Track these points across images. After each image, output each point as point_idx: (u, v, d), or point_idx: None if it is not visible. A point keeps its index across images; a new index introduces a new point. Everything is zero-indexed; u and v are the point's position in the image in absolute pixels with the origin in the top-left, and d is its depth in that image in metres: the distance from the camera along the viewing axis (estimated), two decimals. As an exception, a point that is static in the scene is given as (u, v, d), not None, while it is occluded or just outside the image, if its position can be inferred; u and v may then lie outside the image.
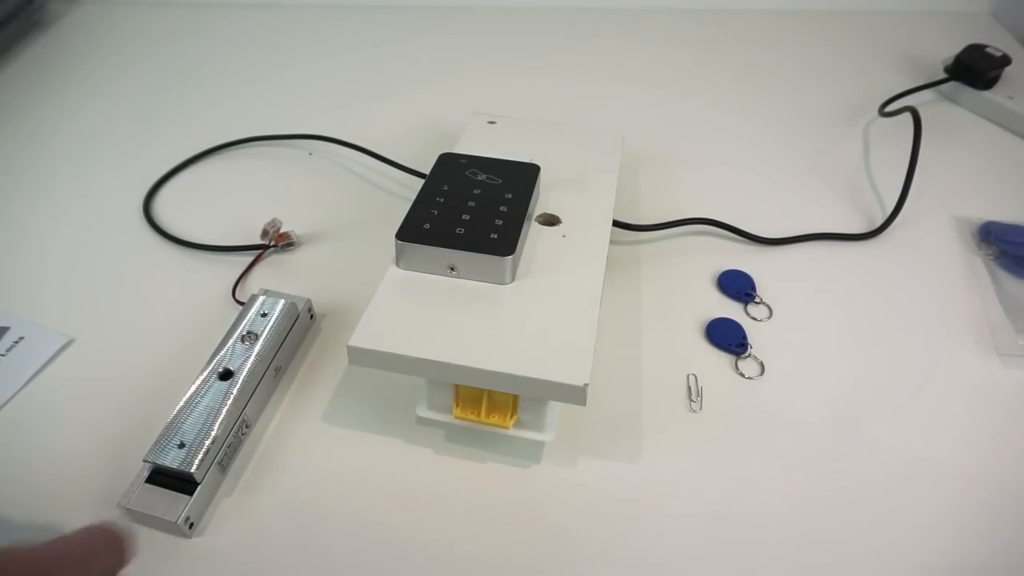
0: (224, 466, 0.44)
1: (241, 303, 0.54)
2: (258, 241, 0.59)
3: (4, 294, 0.56)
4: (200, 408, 0.44)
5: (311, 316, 0.53)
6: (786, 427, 0.47)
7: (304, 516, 0.43)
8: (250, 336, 0.48)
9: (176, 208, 0.64)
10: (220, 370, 0.46)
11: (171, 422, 0.43)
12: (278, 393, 0.49)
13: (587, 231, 0.49)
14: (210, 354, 0.47)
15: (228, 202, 0.65)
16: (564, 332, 0.41)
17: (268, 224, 0.59)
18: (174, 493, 0.41)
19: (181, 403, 0.44)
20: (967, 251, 0.61)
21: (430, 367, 0.40)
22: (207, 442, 0.42)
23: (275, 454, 0.46)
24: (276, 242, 0.59)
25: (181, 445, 0.42)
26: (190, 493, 0.41)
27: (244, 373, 0.46)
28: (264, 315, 0.49)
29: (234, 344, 0.47)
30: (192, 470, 0.41)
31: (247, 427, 0.46)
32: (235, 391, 0.45)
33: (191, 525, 0.41)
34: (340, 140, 0.70)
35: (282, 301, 0.50)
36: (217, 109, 0.78)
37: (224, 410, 0.44)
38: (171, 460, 0.41)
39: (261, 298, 0.50)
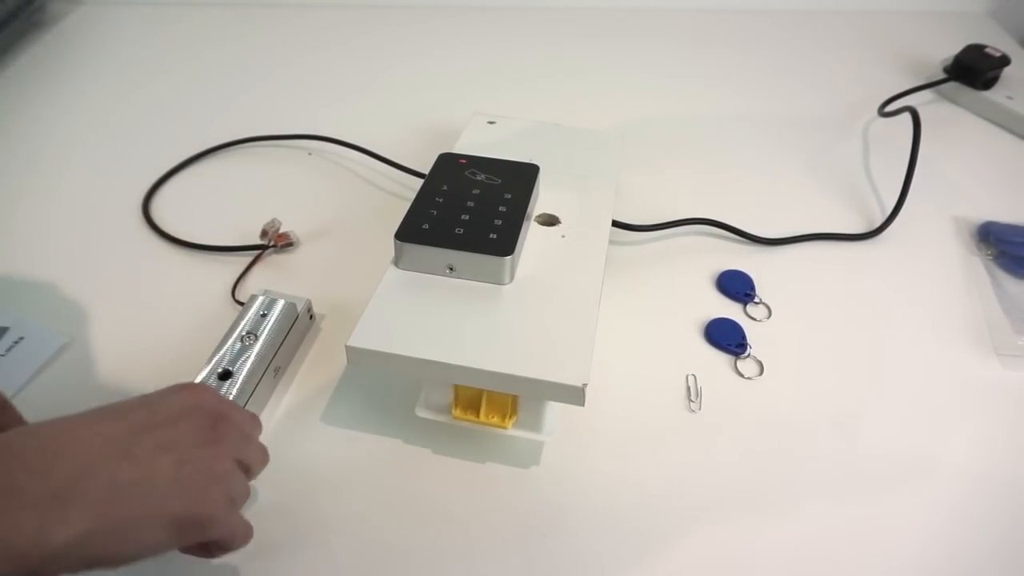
0: (224, 466, 0.44)
1: (240, 303, 0.54)
2: (257, 241, 0.59)
3: (4, 294, 0.56)
4: None
5: (311, 316, 0.53)
6: (785, 427, 0.47)
7: (303, 515, 0.43)
8: (249, 336, 0.48)
9: (176, 208, 0.64)
10: (219, 370, 0.46)
11: None
12: (277, 393, 0.49)
13: (586, 231, 0.49)
14: (209, 354, 0.47)
15: (228, 202, 0.65)
16: (563, 332, 0.41)
17: (267, 224, 0.59)
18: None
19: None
20: (966, 251, 0.61)
21: (429, 368, 0.40)
22: None
23: (275, 454, 0.46)
24: (275, 242, 0.59)
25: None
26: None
27: (243, 373, 0.46)
28: (263, 315, 0.49)
29: (233, 344, 0.47)
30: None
31: None
32: (234, 391, 0.45)
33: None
34: (340, 140, 0.70)
35: (281, 301, 0.50)
36: (217, 109, 0.78)
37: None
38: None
39: (260, 298, 0.50)
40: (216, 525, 0.33)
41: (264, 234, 0.59)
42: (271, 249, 0.59)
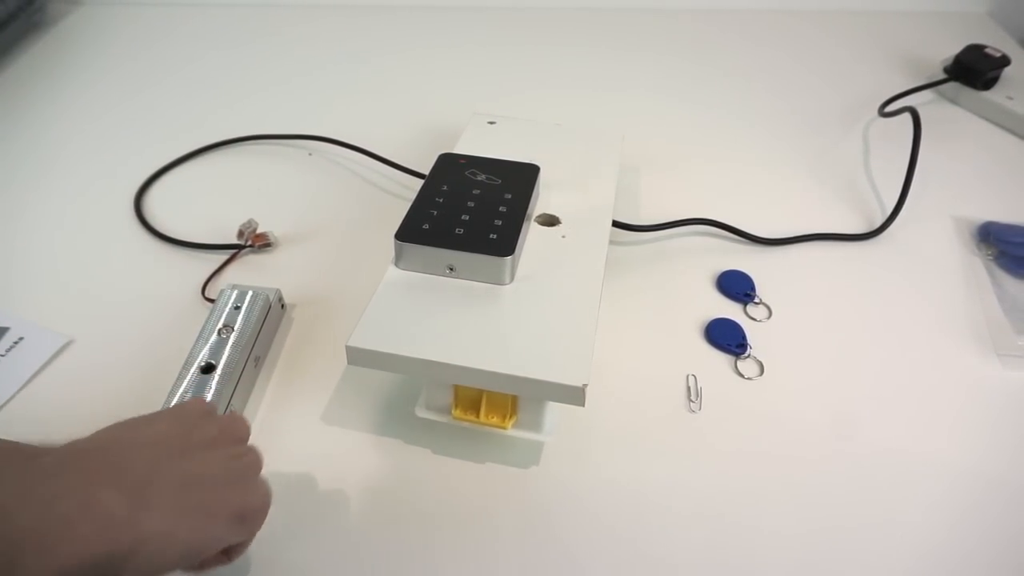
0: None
1: (211, 300, 0.54)
2: (254, 240, 0.59)
3: (4, 294, 0.56)
4: None
5: (282, 306, 0.54)
6: (785, 427, 0.47)
7: (303, 514, 0.43)
8: (226, 329, 0.48)
9: (173, 206, 0.64)
10: (202, 364, 0.46)
11: None
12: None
13: (587, 231, 0.49)
14: (189, 349, 0.48)
15: (227, 200, 0.65)
16: (563, 333, 0.41)
17: (243, 225, 0.59)
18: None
19: (166, 400, 0.44)
20: (966, 251, 0.61)
21: (429, 368, 0.40)
22: None
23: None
24: (252, 242, 0.59)
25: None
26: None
27: (226, 365, 0.46)
28: (237, 308, 0.50)
29: (210, 337, 0.48)
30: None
31: None
32: (219, 383, 0.45)
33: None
34: (340, 141, 0.70)
35: (250, 292, 0.51)
36: (217, 109, 0.78)
37: (211, 402, 0.44)
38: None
39: (233, 292, 0.51)
40: (262, 518, 0.35)
41: (240, 234, 0.59)
42: (248, 249, 0.59)
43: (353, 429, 0.47)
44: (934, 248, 0.61)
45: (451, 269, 0.44)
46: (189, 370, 0.46)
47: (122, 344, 0.52)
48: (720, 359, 0.52)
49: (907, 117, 0.67)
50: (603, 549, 0.41)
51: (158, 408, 0.44)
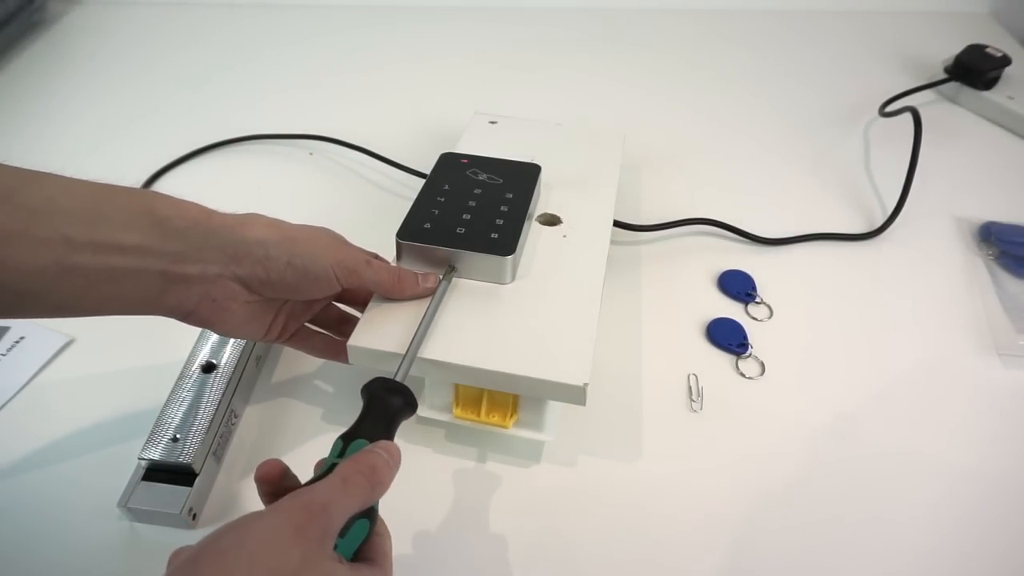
0: (219, 456, 0.44)
1: None
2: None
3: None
4: (188, 402, 0.44)
5: None
6: (787, 427, 0.47)
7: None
8: None
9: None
10: (203, 363, 0.46)
11: (160, 418, 0.43)
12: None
13: (588, 231, 0.49)
14: (191, 348, 0.48)
15: (228, 199, 0.65)
16: (564, 332, 0.41)
17: None
18: (173, 487, 0.41)
19: (167, 399, 0.44)
20: (967, 251, 0.60)
21: (430, 367, 0.40)
22: (200, 434, 0.42)
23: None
24: None
25: (175, 439, 0.42)
26: (189, 484, 0.41)
27: (227, 365, 0.46)
28: None
29: (212, 336, 0.48)
30: (190, 461, 0.41)
31: (236, 417, 0.47)
32: (221, 382, 0.45)
33: (194, 516, 0.41)
34: (341, 140, 0.70)
35: None
36: (217, 108, 0.78)
37: (213, 401, 0.44)
38: (167, 455, 0.41)
39: None
40: None
41: None
42: None
43: (354, 428, 0.47)
44: (935, 248, 0.61)
45: (452, 268, 0.44)
46: (190, 369, 0.46)
47: (122, 343, 0.52)
48: (721, 359, 0.52)
49: (908, 117, 0.67)
50: (604, 548, 0.41)
51: (156, 407, 0.44)
